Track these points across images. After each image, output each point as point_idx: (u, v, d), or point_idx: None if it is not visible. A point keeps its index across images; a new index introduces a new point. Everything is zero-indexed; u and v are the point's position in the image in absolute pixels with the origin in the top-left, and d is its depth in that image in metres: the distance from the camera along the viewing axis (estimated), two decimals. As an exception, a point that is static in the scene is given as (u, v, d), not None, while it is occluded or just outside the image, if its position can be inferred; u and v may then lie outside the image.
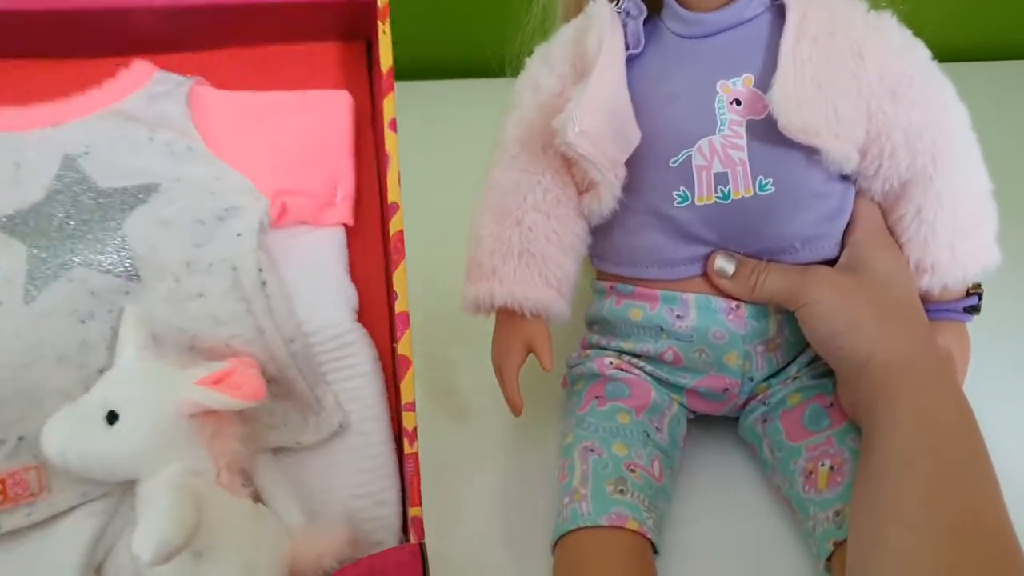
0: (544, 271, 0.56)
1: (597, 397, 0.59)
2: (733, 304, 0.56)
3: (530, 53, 0.59)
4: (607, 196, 0.55)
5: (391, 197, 0.52)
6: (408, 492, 0.49)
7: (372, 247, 0.58)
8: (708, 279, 0.56)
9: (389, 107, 0.53)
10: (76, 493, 0.50)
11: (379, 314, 0.57)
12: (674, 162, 0.54)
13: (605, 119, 0.52)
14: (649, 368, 0.59)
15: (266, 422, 0.52)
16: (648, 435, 0.57)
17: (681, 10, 0.55)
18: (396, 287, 0.51)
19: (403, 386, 0.50)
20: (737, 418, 0.60)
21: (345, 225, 0.57)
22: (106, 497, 0.50)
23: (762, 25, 0.54)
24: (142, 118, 0.55)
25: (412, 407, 0.50)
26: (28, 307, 0.49)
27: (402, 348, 0.50)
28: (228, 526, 0.47)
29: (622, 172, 0.54)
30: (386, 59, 0.53)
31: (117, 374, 0.48)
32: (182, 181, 0.53)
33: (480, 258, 0.57)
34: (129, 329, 0.49)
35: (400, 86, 0.52)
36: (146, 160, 0.54)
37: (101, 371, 0.50)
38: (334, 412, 0.54)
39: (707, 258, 0.56)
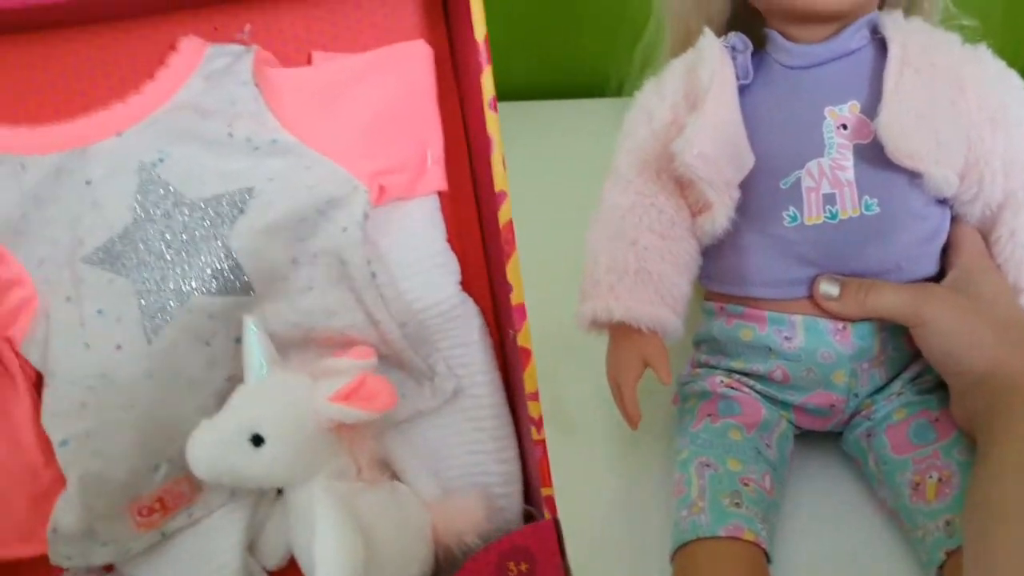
0: (660, 289, 0.57)
1: (709, 415, 0.61)
2: (840, 325, 0.58)
3: (638, 87, 0.62)
4: (721, 217, 0.56)
5: (498, 185, 0.50)
6: (539, 473, 0.52)
7: (464, 207, 0.57)
8: (815, 301, 0.58)
9: (487, 84, 0.49)
10: (224, 493, 0.53)
11: (478, 273, 0.57)
12: (784, 183, 0.57)
13: (721, 143, 0.55)
14: (759, 387, 0.61)
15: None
16: (759, 451, 0.59)
17: (787, 43, 0.58)
18: (510, 279, 0.51)
19: (526, 377, 0.51)
20: (841, 433, 0.63)
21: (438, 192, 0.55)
22: (251, 493, 0.54)
23: (865, 56, 0.58)
24: (211, 108, 0.51)
25: (536, 397, 0.52)
26: (151, 346, 0.49)
27: (522, 340, 0.51)
28: (378, 520, 0.51)
29: (736, 193, 0.57)
30: (480, 26, 0.49)
31: (252, 393, 0.50)
32: (275, 180, 0.51)
33: (597, 276, 0.58)
34: (253, 341, 0.50)
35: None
36: (229, 160, 0.51)
37: (228, 379, 0.51)
38: (447, 378, 0.56)
39: (813, 280, 0.58)
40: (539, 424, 0.52)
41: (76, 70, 0.52)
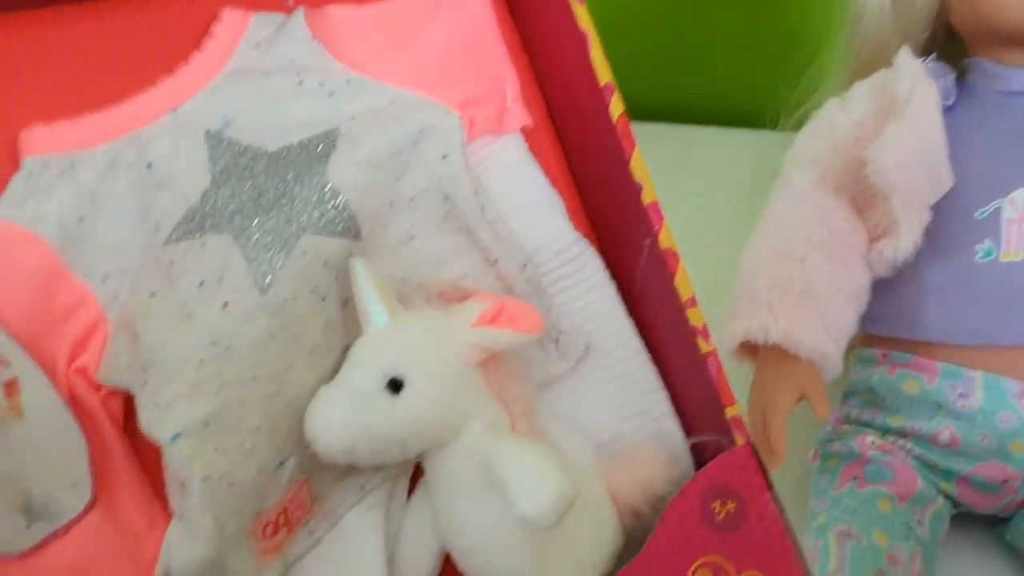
0: (824, 317, 0.53)
1: (855, 478, 0.56)
2: None
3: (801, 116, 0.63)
4: (906, 240, 0.53)
5: (602, 78, 0.47)
6: (717, 391, 0.45)
7: (549, 148, 0.53)
8: (999, 353, 0.54)
9: (573, -22, 0.48)
10: (353, 490, 0.45)
11: (579, 218, 0.53)
12: (981, 213, 0.54)
13: (918, 155, 0.53)
14: (917, 451, 0.57)
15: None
16: (910, 527, 0.54)
17: (998, 67, 0.58)
18: (637, 176, 0.47)
19: (678, 283, 0.46)
20: (1007, 519, 0.58)
21: (522, 129, 0.52)
22: (381, 486, 0.45)
23: None
24: (272, 69, 0.48)
25: (694, 302, 0.46)
26: (267, 296, 0.42)
27: (664, 241, 0.46)
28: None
29: (926, 216, 0.54)
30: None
31: (377, 338, 0.43)
32: (358, 119, 0.47)
33: (755, 291, 0.54)
34: (367, 286, 0.43)
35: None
36: (303, 110, 0.47)
37: (344, 350, 0.44)
38: (575, 335, 0.50)
39: (1001, 328, 0.54)
40: (705, 333, 0.46)
41: (113, 47, 0.48)
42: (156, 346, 0.41)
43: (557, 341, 0.49)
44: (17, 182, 0.44)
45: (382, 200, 0.47)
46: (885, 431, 0.57)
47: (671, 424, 0.49)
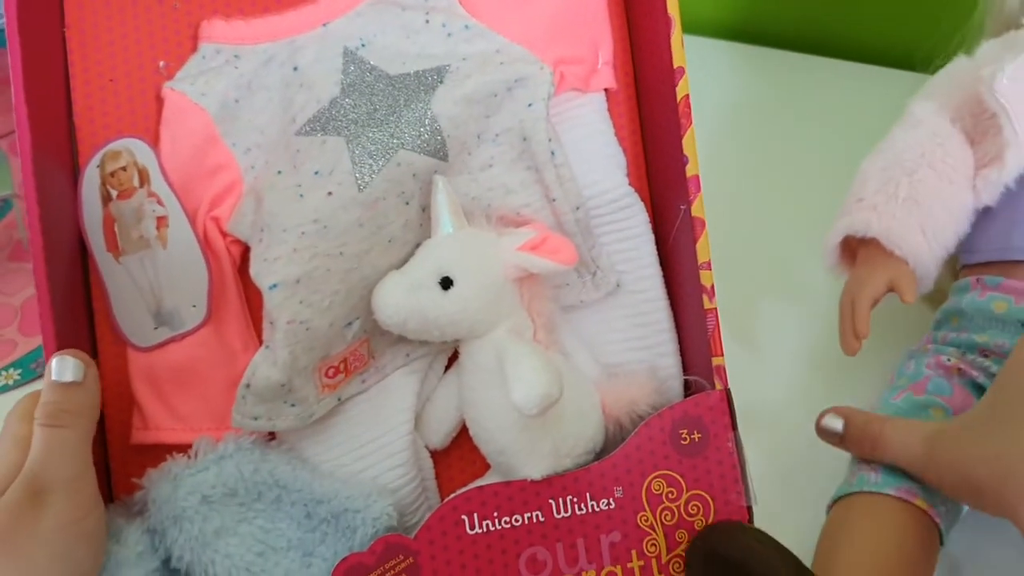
0: (923, 224, 0.59)
1: (913, 388, 0.62)
2: None
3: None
4: (1012, 164, 0.59)
5: (676, 61, 0.55)
6: (710, 342, 0.54)
7: (628, 111, 0.62)
8: None
9: (669, -29, 0.56)
10: (400, 356, 0.57)
11: (639, 175, 0.62)
12: None
13: None
14: (994, 369, 0.61)
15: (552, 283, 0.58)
16: None
17: None
18: (686, 151, 0.55)
19: (699, 247, 0.55)
20: None
21: (606, 90, 0.61)
22: (424, 358, 0.57)
23: None
24: (408, 4, 0.58)
25: (708, 266, 0.55)
26: (363, 193, 0.53)
27: (696, 210, 0.55)
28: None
29: None
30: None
31: (441, 243, 0.54)
32: (468, 60, 0.57)
33: (862, 194, 0.61)
34: (443, 199, 0.54)
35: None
36: (425, 45, 0.57)
37: (416, 246, 0.56)
38: (609, 272, 0.59)
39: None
40: (711, 293, 0.55)
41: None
42: (273, 214, 0.53)
43: (594, 274, 0.59)
44: (193, 62, 0.57)
45: (472, 131, 0.57)
46: (969, 347, 0.62)
47: (670, 362, 0.59)
